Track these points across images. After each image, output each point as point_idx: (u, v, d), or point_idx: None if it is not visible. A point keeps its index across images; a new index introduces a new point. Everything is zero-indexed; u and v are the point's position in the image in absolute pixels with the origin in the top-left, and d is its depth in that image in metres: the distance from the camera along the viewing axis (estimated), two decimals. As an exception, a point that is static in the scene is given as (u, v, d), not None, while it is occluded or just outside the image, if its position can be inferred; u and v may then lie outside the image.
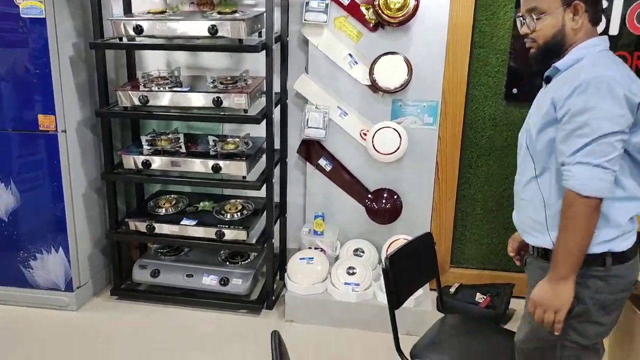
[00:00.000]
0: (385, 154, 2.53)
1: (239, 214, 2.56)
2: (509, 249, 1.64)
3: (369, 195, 2.70)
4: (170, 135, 2.54)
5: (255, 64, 2.71)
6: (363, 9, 2.51)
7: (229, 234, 2.44)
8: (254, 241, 2.48)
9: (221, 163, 2.36)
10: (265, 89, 2.32)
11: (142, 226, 2.51)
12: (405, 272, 1.67)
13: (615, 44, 2.42)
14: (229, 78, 2.45)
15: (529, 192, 1.39)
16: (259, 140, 2.62)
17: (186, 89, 2.35)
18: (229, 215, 2.55)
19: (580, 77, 1.23)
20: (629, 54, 2.42)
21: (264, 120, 2.34)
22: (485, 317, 2.52)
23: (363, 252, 2.69)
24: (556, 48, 1.33)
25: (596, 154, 1.20)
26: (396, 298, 1.62)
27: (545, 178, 1.35)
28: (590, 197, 1.20)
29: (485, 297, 2.58)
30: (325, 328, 2.46)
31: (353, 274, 2.48)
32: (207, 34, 2.20)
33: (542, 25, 1.32)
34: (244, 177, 2.39)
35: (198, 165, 2.39)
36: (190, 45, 2.32)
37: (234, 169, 2.36)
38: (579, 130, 1.21)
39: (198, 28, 2.20)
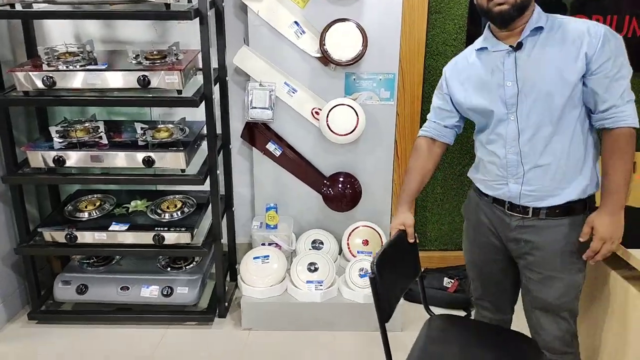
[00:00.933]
0: (341, 135, 2.27)
1: (179, 212, 2.20)
2: (394, 234, 1.63)
3: (325, 181, 2.44)
4: (87, 124, 2.12)
5: (185, 35, 2.32)
6: (309, -31, 2.19)
7: (170, 237, 2.09)
8: (200, 243, 2.15)
9: (154, 155, 1.98)
10: (202, 65, 1.95)
11: (60, 236, 2.08)
12: (391, 276, 1.43)
13: (576, 6, 2.30)
14: (155, 52, 2.05)
15: (549, 152, 1.39)
16: (196, 125, 2.26)
17: (103, 67, 1.93)
18: (167, 214, 2.19)
19: (593, 30, 1.33)
20: (586, 17, 2.30)
21: (203, 102, 1.99)
22: (455, 301, 2.39)
23: (322, 243, 2.44)
24: (525, 5, 1.35)
25: (631, 91, 1.36)
26: (387, 308, 1.38)
27: (562, 136, 1.38)
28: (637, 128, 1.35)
29: (452, 280, 2.44)
30: (288, 334, 2.20)
31: (315, 270, 2.22)
32: (125, -1, 1.79)
33: None
34: (183, 170, 2.04)
35: (125, 159, 2.00)
36: (103, 12, 1.89)
37: (170, 161, 2.00)
38: (619, 74, 1.33)
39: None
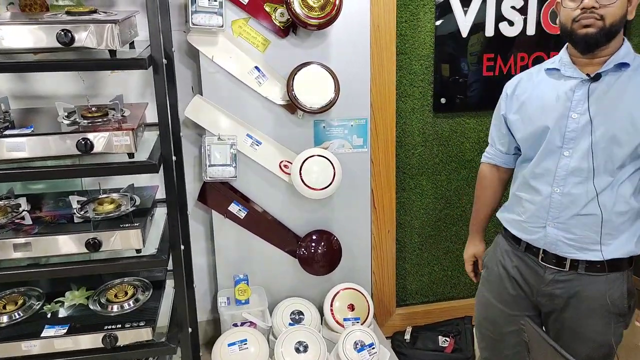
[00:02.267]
0: (318, 189, 2.01)
1: (132, 301, 1.78)
2: (470, 267, 1.66)
3: (300, 242, 2.15)
4: (3, 202, 1.66)
5: (119, 86, 1.97)
6: (267, 8, 1.96)
7: (126, 336, 1.65)
8: (163, 337, 1.73)
9: (101, 236, 1.57)
10: (158, 121, 1.60)
11: (-31, 353, 1.57)
12: None
13: (535, 44, 2.30)
14: (93, 109, 1.67)
15: (600, 202, 1.26)
16: (147, 192, 1.88)
17: (27, 130, 1.51)
18: (116, 306, 1.75)
19: None
20: (545, 54, 2.31)
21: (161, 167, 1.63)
22: (454, 362, 2.18)
23: (302, 314, 2.13)
24: (614, 33, 1.21)
25: None
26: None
27: (615, 188, 1.26)
28: None
29: (448, 339, 2.23)
30: None
31: (304, 350, 1.89)
32: (56, 45, 1.42)
33: (615, 2, 1.17)
34: (139, 251, 1.64)
35: (61, 245, 1.57)
36: (23, 63, 1.50)
37: (122, 241, 1.60)
38: None
39: (38, 36, 1.41)
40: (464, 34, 2.25)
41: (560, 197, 1.30)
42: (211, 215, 2.19)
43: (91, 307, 1.75)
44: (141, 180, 1.94)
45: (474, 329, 1.67)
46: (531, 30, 2.27)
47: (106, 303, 1.76)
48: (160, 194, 1.90)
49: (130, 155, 1.58)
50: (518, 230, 1.42)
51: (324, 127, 2.12)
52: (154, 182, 1.98)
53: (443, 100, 2.29)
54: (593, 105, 1.24)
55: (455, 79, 2.28)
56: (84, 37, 1.42)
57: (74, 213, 1.66)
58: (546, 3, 2.26)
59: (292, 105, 2.01)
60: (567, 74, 1.31)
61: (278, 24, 1.98)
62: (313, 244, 2.14)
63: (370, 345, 1.94)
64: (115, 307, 1.75)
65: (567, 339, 1.37)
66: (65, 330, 1.63)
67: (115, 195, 1.77)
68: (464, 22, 2.24)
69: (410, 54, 2.24)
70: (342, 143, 2.15)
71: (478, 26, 2.25)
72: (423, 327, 2.37)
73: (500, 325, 1.50)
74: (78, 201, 1.68)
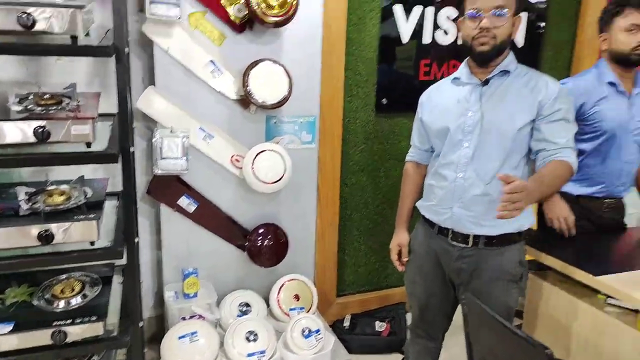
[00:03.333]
0: (269, 183, 2.07)
1: (80, 296, 1.71)
2: (395, 255, 1.78)
3: (248, 236, 2.20)
4: None
5: (66, 74, 1.88)
6: (225, 3, 1.98)
7: (75, 332, 1.59)
8: (114, 332, 1.69)
9: (54, 227, 1.51)
10: (118, 111, 1.57)
11: None
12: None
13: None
14: (46, 96, 1.59)
15: (493, 184, 1.48)
16: (97, 184, 1.82)
17: (-27, 116, 1.41)
18: (62, 302, 1.68)
19: (551, 84, 1.49)
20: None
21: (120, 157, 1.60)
22: (391, 344, 2.35)
23: (249, 305, 2.17)
24: (503, 49, 1.48)
25: (573, 141, 1.49)
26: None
27: (510, 170, 1.48)
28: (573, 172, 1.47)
29: (384, 323, 2.40)
30: (234, 422, 1.87)
31: (254, 339, 1.95)
32: (16, 28, 1.34)
33: (505, 24, 1.43)
34: (93, 243, 1.60)
35: (9, 238, 1.48)
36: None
37: (77, 233, 1.54)
38: (567, 125, 1.48)
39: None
40: (405, 40, 2.42)
41: (463, 181, 1.52)
42: (157, 209, 2.16)
43: (35, 303, 1.66)
44: (85, 171, 1.86)
45: (407, 301, 1.88)
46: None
47: (52, 299, 1.68)
48: (110, 186, 1.85)
49: (88, 144, 1.53)
50: (431, 213, 1.63)
51: (275, 122, 2.17)
52: (98, 175, 1.91)
53: (384, 101, 2.45)
54: (484, 104, 1.50)
55: (395, 82, 2.45)
56: (46, 22, 1.36)
57: (20, 206, 1.56)
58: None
59: (246, 100, 2.05)
60: (466, 81, 1.56)
61: (235, 20, 2.00)
62: (261, 237, 2.19)
63: (317, 331, 2.04)
64: (62, 303, 1.67)
65: None
66: (10, 328, 1.54)
67: (64, 187, 1.69)
68: (405, 28, 2.41)
69: (356, 55, 2.36)
70: (292, 139, 2.22)
71: (417, 33, 2.43)
72: (361, 314, 2.52)
73: (423, 298, 1.72)
74: (26, 192, 1.59)
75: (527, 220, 1.56)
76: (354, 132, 2.45)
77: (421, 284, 1.72)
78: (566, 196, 1.89)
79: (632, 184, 1.97)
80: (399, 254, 1.79)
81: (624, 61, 1.82)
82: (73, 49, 1.43)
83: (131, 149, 1.63)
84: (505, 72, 1.51)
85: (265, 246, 2.19)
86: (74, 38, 1.43)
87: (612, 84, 1.85)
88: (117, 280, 1.88)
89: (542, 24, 2.72)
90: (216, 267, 2.21)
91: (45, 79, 1.86)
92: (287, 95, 2.06)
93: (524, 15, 2.61)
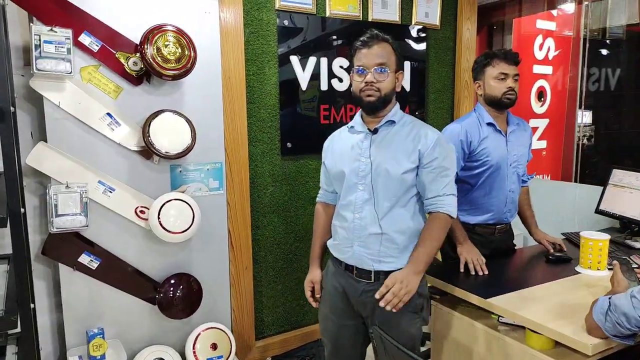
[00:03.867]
0: (178, 233, 2.05)
1: (-34, 375, 1.56)
2: (309, 292, 1.84)
3: (158, 288, 2.14)
4: None
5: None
6: (119, 57, 1.98)
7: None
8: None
9: None
10: (4, 172, 1.50)
11: None
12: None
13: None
14: None
15: (387, 222, 1.62)
16: (-17, 249, 1.70)
17: None
18: (-55, 383, 1.53)
19: (431, 134, 1.63)
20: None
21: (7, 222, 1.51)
22: (312, 384, 2.36)
23: (164, 361, 2.09)
24: (388, 100, 1.65)
25: (453, 186, 1.64)
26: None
27: (399, 211, 1.62)
28: (452, 217, 1.64)
29: (305, 363, 2.41)
30: None
31: (170, 397, 1.88)
32: None
33: (387, 79, 1.61)
34: (-21, 316, 1.48)
35: None
36: None
37: (-41, 307, 1.43)
38: (444, 172, 1.62)
39: None
40: (303, 87, 2.56)
41: (360, 221, 1.64)
42: (54, 269, 2.05)
43: None
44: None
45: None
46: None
47: None
48: (-1, 250, 1.74)
49: (-30, 210, 1.44)
50: (337, 252, 1.73)
51: (180, 171, 2.18)
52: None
53: (289, 145, 2.55)
54: (374, 151, 1.64)
55: (297, 126, 2.56)
56: None
57: None
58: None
59: (148, 151, 2.04)
60: (359, 130, 1.70)
61: (131, 72, 2.01)
62: (172, 288, 2.14)
63: (236, 380, 2.01)
64: (-55, 385, 1.52)
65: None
66: None
67: (-57, 256, 1.57)
68: (303, 76, 2.55)
69: (258, 103, 2.45)
70: (199, 186, 2.23)
71: (315, 80, 2.58)
72: (282, 355, 2.51)
73: (335, 333, 1.78)
74: None
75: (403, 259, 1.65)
76: (261, 176, 2.51)
77: (332, 319, 1.78)
78: (465, 226, 2.06)
79: (516, 210, 2.20)
80: (313, 291, 1.84)
81: (496, 104, 2.04)
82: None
83: (22, 210, 1.56)
84: (392, 122, 1.66)
85: (178, 297, 2.14)
86: (-50, 99, 1.37)
87: (490, 124, 2.07)
88: (11, 351, 1.74)
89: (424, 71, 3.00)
90: (125, 324, 2.11)
91: None
92: (190, 145, 2.08)
93: (408, 64, 2.87)
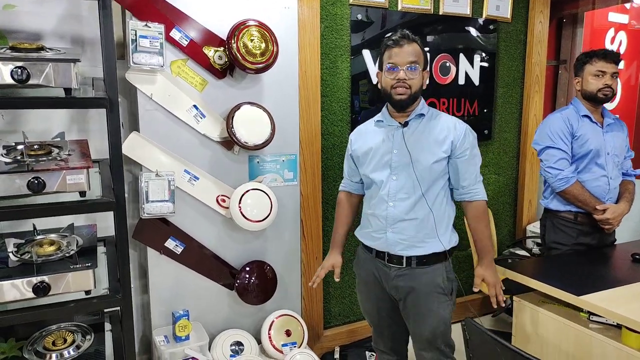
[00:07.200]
0: (257, 221, 2.12)
1: (73, 347, 1.68)
2: (323, 273, 1.92)
3: (237, 274, 2.22)
4: None
5: (42, 122, 1.91)
6: (206, 51, 2.06)
7: (72, 385, 1.57)
8: (112, 383, 1.66)
9: (48, 279, 1.50)
10: (111, 160, 1.60)
11: None
12: None
13: (429, 92, 2.71)
14: (36, 146, 1.60)
15: (418, 210, 1.69)
16: (85, 231, 1.82)
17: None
18: (55, 354, 1.65)
19: (459, 125, 1.71)
20: (436, 100, 2.74)
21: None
22: (380, 374, 2.39)
23: (241, 344, 2.18)
24: (416, 97, 1.72)
25: (480, 174, 1.75)
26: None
27: (430, 198, 1.70)
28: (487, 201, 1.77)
29: (373, 353, 2.44)
30: None
31: (250, 378, 1.95)
32: (8, 82, 1.38)
33: (417, 77, 1.68)
34: (88, 292, 1.59)
35: (5, 291, 1.46)
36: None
37: (74, 283, 1.54)
38: (473, 160, 1.72)
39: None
40: (374, 81, 2.57)
41: (394, 209, 1.71)
42: (141, 253, 2.16)
43: (28, 357, 1.62)
44: (68, 218, 1.86)
45: None
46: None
47: (44, 352, 1.65)
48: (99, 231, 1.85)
49: (82, 193, 1.55)
50: (368, 239, 1.82)
51: (258, 162, 2.24)
52: (80, 220, 1.91)
53: (359, 138, 2.57)
54: (407, 142, 1.71)
55: (367, 119, 2.57)
56: (41, 75, 1.40)
57: (9, 257, 1.55)
58: (436, 58, 2.71)
59: (230, 141, 2.11)
60: (388, 124, 1.76)
61: (216, 66, 2.08)
62: (249, 275, 2.22)
63: (311, 366, 2.06)
64: (55, 356, 1.65)
65: (414, 323, 1.77)
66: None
67: (54, 236, 1.69)
68: (374, 71, 2.56)
69: (330, 96, 2.49)
70: (275, 177, 2.29)
71: (386, 74, 2.59)
72: (350, 345, 2.55)
73: (375, 315, 1.89)
74: (14, 244, 1.58)
75: (452, 240, 1.76)
76: (331, 168, 2.54)
77: (370, 302, 1.88)
78: (567, 215, 2.19)
79: (616, 200, 2.22)
80: (331, 272, 1.95)
81: (592, 99, 2.18)
82: (69, 101, 1.47)
83: (125, 195, 1.66)
84: (421, 115, 1.74)
85: (254, 284, 2.22)
86: (68, 90, 1.47)
87: (586, 116, 2.19)
88: (107, 328, 1.86)
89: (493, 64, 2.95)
90: (205, 307, 2.21)
91: (24, 127, 1.86)
92: (270, 137, 2.14)
93: (477, 57, 2.84)
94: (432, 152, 1.69)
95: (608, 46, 3.48)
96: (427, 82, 1.76)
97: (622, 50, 3.51)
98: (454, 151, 1.69)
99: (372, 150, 1.77)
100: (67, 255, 1.61)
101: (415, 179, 1.69)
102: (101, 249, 1.90)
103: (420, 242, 1.71)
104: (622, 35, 3.50)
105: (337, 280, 1.96)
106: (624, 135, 2.27)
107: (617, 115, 2.33)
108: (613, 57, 2.15)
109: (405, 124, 1.73)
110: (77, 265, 1.55)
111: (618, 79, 2.19)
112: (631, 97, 3.61)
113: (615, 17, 3.45)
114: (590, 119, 2.19)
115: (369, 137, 1.81)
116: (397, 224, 1.72)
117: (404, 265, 1.73)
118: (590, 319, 1.65)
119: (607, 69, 2.13)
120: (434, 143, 1.70)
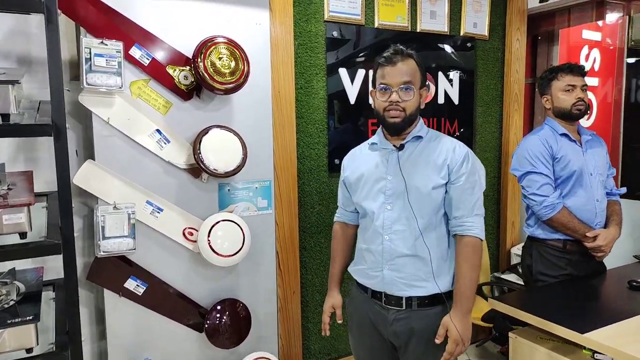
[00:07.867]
0: (228, 256, 1.93)
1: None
2: (327, 318, 1.74)
3: (207, 315, 2.01)
4: None
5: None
6: (170, 70, 1.89)
7: None
8: None
9: (-19, 338, 1.27)
10: (59, 196, 1.39)
11: None
12: None
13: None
14: (-32, 181, 1.38)
15: (419, 244, 1.50)
16: (30, 275, 1.59)
17: None
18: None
19: (458, 149, 1.53)
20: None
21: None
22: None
23: (212, 394, 1.96)
24: (412, 120, 1.54)
25: (481, 206, 1.53)
26: None
27: (430, 232, 1.51)
28: (482, 240, 1.52)
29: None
30: None
31: None
32: None
33: (412, 98, 1.50)
34: (30, 350, 1.36)
35: None
36: None
37: (10, 341, 1.31)
38: (471, 189, 1.51)
39: None
40: (352, 101, 2.44)
41: (390, 243, 1.53)
42: (98, 294, 1.94)
43: None
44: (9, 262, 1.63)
45: None
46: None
47: (-23, 422, 1.40)
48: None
49: (23, 235, 1.34)
50: (363, 277, 1.62)
51: (228, 190, 2.06)
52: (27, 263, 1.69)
53: (337, 161, 2.42)
54: (401, 168, 1.53)
55: (345, 142, 2.43)
56: (-29, 99, 1.19)
57: None
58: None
59: (197, 168, 1.93)
60: (382, 147, 1.60)
61: (181, 87, 1.91)
62: (220, 315, 2.01)
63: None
64: None
65: None
66: None
67: (-9, 284, 1.46)
68: (352, 90, 2.43)
69: (306, 117, 2.34)
70: (247, 206, 2.11)
71: (363, 94, 2.46)
72: (331, 386, 2.36)
73: None
74: (-58, 296, 1.34)
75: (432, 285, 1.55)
76: (308, 194, 2.38)
77: (364, 350, 1.69)
78: (556, 243, 2.03)
79: (604, 223, 2.08)
80: (332, 316, 1.74)
81: (567, 116, 2.07)
82: (7, 129, 1.26)
83: (74, 234, 1.45)
84: (418, 137, 1.57)
85: (225, 324, 2.01)
86: (5, 116, 1.27)
87: (564, 134, 2.07)
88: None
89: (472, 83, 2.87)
90: (172, 353, 1.98)
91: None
92: (241, 163, 1.97)
93: (456, 75, 2.75)
94: (429, 178, 1.51)
95: (582, 63, 3.46)
96: (427, 99, 1.58)
97: (596, 68, 3.51)
98: (450, 176, 1.51)
99: (364, 176, 1.60)
100: (5, 306, 1.38)
101: (413, 209, 1.50)
102: (50, 294, 1.67)
103: (421, 280, 1.51)
104: (595, 53, 3.50)
105: (339, 322, 1.74)
106: (604, 151, 2.14)
107: (594, 132, 2.20)
108: (579, 70, 2.05)
109: (401, 147, 1.55)
110: (17, 320, 1.33)
111: (588, 92, 2.09)
112: (606, 114, 3.60)
113: (588, 34, 3.45)
114: (569, 138, 2.06)
115: (362, 161, 1.65)
116: (394, 260, 1.53)
117: (404, 307, 1.53)
118: (595, 357, 1.51)
119: (576, 82, 2.03)
120: (432, 168, 1.52)
